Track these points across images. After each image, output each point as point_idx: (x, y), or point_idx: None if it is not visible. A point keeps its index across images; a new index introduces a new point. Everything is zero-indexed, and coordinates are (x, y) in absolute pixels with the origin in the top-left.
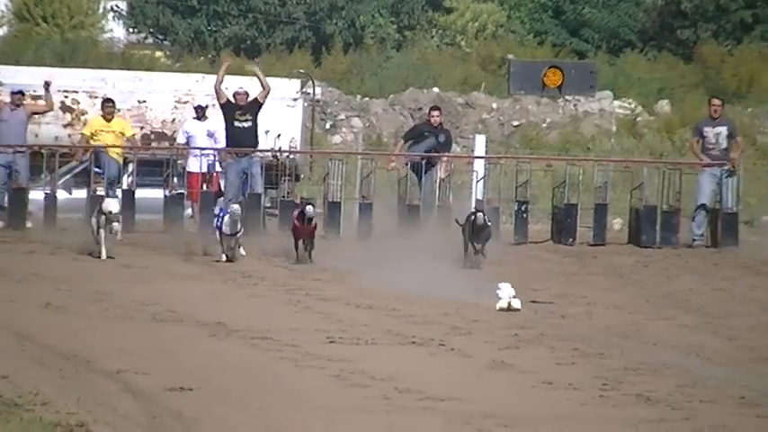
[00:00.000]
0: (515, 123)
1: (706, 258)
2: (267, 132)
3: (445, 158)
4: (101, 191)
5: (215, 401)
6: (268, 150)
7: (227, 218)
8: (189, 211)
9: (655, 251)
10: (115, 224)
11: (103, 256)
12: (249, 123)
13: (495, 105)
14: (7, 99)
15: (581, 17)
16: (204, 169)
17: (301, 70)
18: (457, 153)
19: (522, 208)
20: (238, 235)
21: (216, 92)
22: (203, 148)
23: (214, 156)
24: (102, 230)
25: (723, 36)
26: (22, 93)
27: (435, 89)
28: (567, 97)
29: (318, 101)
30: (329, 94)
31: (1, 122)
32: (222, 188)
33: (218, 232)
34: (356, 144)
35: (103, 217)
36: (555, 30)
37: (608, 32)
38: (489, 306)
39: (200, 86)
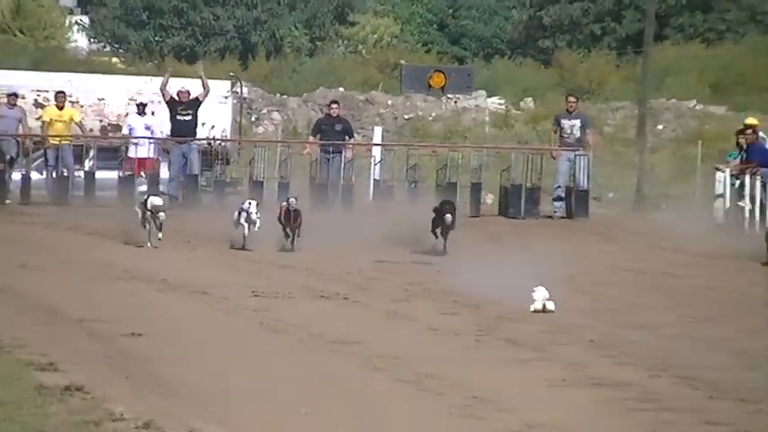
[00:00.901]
0: (407, 117)
1: (562, 227)
2: (203, 124)
3: (349, 145)
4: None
5: (161, 344)
6: (204, 139)
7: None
8: (143, 187)
9: (520, 221)
10: (161, 214)
11: (149, 245)
12: (189, 117)
13: (390, 102)
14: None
15: (461, 29)
16: (142, 155)
17: (231, 73)
18: (358, 141)
19: (413, 186)
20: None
21: (161, 92)
22: (142, 137)
23: (151, 143)
24: (147, 224)
25: (576, 45)
26: (15, 95)
27: (341, 89)
28: (449, 95)
29: (245, 98)
30: (254, 92)
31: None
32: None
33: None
34: (276, 134)
35: (149, 212)
36: (439, 40)
37: (483, 42)
38: (381, 266)
39: (148, 87)
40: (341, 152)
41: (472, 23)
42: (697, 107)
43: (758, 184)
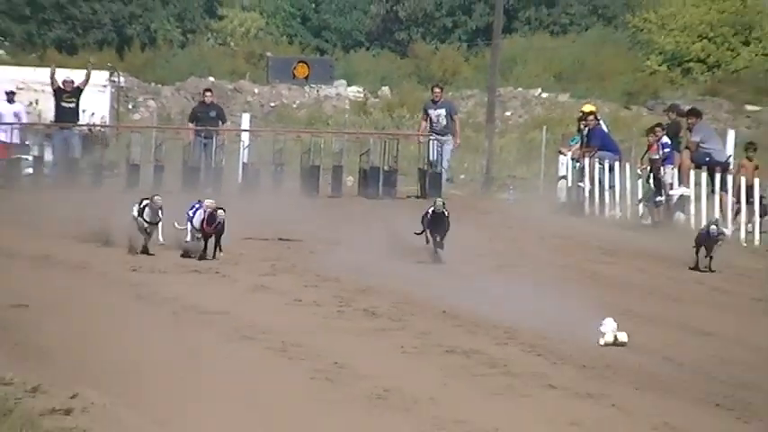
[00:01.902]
0: (272, 104)
1: (415, 205)
2: (84, 111)
3: (221, 131)
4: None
5: (45, 316)
6: (85, 125)
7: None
8: (29, 170)
9: (378, 201)
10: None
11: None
12: (72, 104)
13: (257, 90)
14: None
15: (322, 22)
16: (9, 140)
17: (109, 64)
18: (228, 127)
19: (278, 169)
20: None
21: (51, 81)
22: (10, 124)
23: (15, 129)
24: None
25: (430, 37)
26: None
27: (211, 78)
28: (312, 85)
29: (122, 87)
30: (130, 81)
31: None
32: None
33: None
34: (151, 120)
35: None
36: (302, 32)
37: (343, 34)
38: (249, 243)
39: (32, 77)
40: (214, 136)
41: (333, 17)
42: (542, 95)
43: (597, 166)
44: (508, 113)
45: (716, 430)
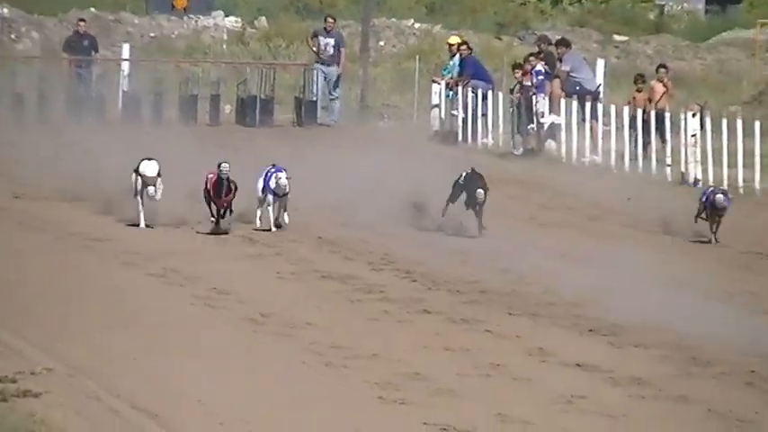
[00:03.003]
0: (152, 35)
1: (291, 132)
2: None
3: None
4: None
5: None
6: None
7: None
8: None
9: (256, 129)
10: (150, 188)
11: (141, 224)
12: None
13: (137, 21)
14: None
15: None
16: None
17: None
18: (108, 57)
19: (157, 98)
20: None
21: None
22: None
23: None
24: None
25: None
26: None
27: (92, 8)
28: (190, 16)
29: (5, 18)
30: (14, 13)
31: None
32: None
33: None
34: (35, 50)
35: (140, 180)
36: None
37: None
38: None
39: None
40: (90, 66)
41: None
42: (416, 25)
43: (470, 94)
44: (382, 43)
45: (588, 354)
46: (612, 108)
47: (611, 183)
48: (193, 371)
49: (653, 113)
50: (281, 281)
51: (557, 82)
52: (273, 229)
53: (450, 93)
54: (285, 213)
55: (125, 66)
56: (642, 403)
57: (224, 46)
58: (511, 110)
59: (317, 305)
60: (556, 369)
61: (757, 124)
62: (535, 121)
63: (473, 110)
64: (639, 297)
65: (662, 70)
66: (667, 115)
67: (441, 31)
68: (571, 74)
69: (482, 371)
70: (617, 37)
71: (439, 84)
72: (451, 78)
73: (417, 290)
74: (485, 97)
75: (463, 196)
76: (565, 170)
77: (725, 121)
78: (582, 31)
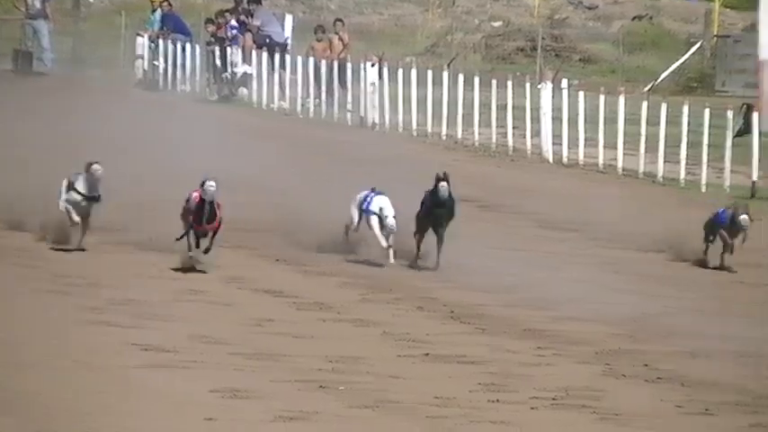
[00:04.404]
0: None
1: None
2: None
3: None
4: None
5: None
6: None
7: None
8: None
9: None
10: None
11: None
12: None
13: None
14: None
15: None
16: None
17: None
18: None
19: None
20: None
21: None
22: None
23: None
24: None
25: None
26: None
27: None
28: None
29: None
30: None
31: None
32: None
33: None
34: None
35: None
36: None
37: None
38: None
39: None
40: None
41: None
42: None
43: (170, 46)
44: (92, 0)
45: (278, 281)
46: (299, 59)
47: (299, 125)
48: None
49: (335, 63)
50: None
51: (249, 35)
52: None
53: (153, 45)
54: None
55: None
56: (324, 325)
57: None
58: (207, 60)
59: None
60: (250, 295)
61: (429, 73)
62: (229, 70)
63: (173, 60)
64: (318, 228)
65: (338, 24)
66: (348, 65)
67: None
68: (261, 28)
69: (184, 296)
70: None
71: (143, 37)
72: (153, 32)
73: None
74: (184, 49)
75: None
76: (256, 114)
77: (401, 71)
78: None
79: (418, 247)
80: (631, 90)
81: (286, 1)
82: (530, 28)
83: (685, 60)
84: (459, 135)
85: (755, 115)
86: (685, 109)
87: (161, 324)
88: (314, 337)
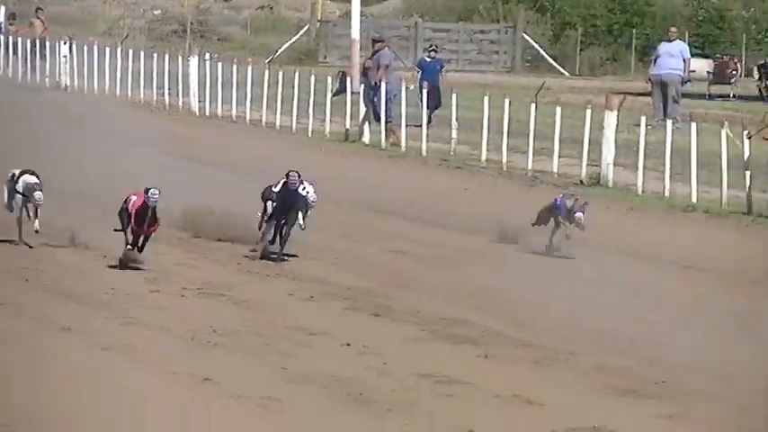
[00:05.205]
0: None
1: None
2: None
3: None
4: None
5: None
6: None
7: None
8: None
9: None
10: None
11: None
12: None
13: None
14: None
15: None
16: None
17: None
18: None
19: None
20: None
21: None
22: None
23: None
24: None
25: None
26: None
27: None
28: None
29: None
30: None
31: None
32: None
33: None
34: None
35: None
36: None
37: None
38: None
39: None
40: None
41: None
42: None
43: None
44: None
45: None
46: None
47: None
48: None
49: (37, 42)
50: None
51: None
52: None
53: None
54: None
55: None
56: None
57: None
58: None
59: None
60: None
61: (107, 49)
62: None
63: None
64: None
65: (40, 11)
66: (47, 44)
67: None
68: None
69: None
70: None
71: None
72: None
73: None
74: None
75: None
76: None
77: (85, 47)
78: None
79: None
80: (257, 61)
81: None
82: (181, 15)
83: (296, 39)
84: (130, 94)
85: (348, 80)
86: (296, 75)
87: None
88: None
